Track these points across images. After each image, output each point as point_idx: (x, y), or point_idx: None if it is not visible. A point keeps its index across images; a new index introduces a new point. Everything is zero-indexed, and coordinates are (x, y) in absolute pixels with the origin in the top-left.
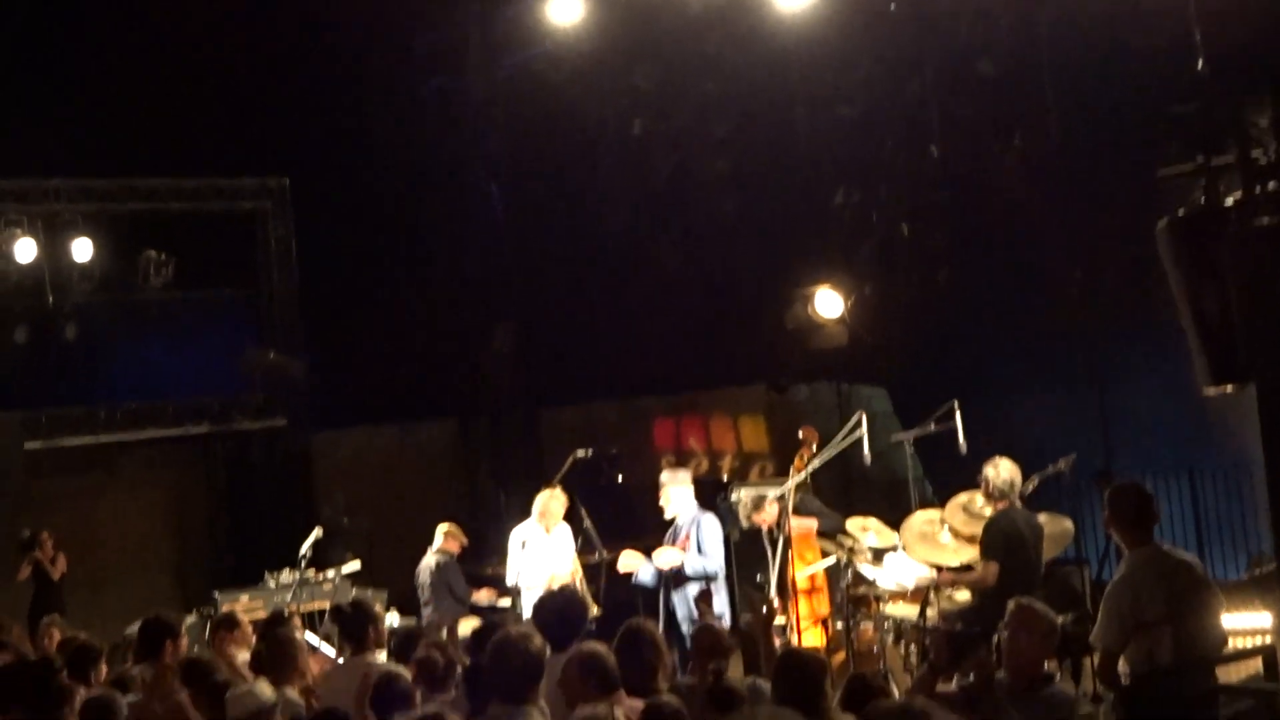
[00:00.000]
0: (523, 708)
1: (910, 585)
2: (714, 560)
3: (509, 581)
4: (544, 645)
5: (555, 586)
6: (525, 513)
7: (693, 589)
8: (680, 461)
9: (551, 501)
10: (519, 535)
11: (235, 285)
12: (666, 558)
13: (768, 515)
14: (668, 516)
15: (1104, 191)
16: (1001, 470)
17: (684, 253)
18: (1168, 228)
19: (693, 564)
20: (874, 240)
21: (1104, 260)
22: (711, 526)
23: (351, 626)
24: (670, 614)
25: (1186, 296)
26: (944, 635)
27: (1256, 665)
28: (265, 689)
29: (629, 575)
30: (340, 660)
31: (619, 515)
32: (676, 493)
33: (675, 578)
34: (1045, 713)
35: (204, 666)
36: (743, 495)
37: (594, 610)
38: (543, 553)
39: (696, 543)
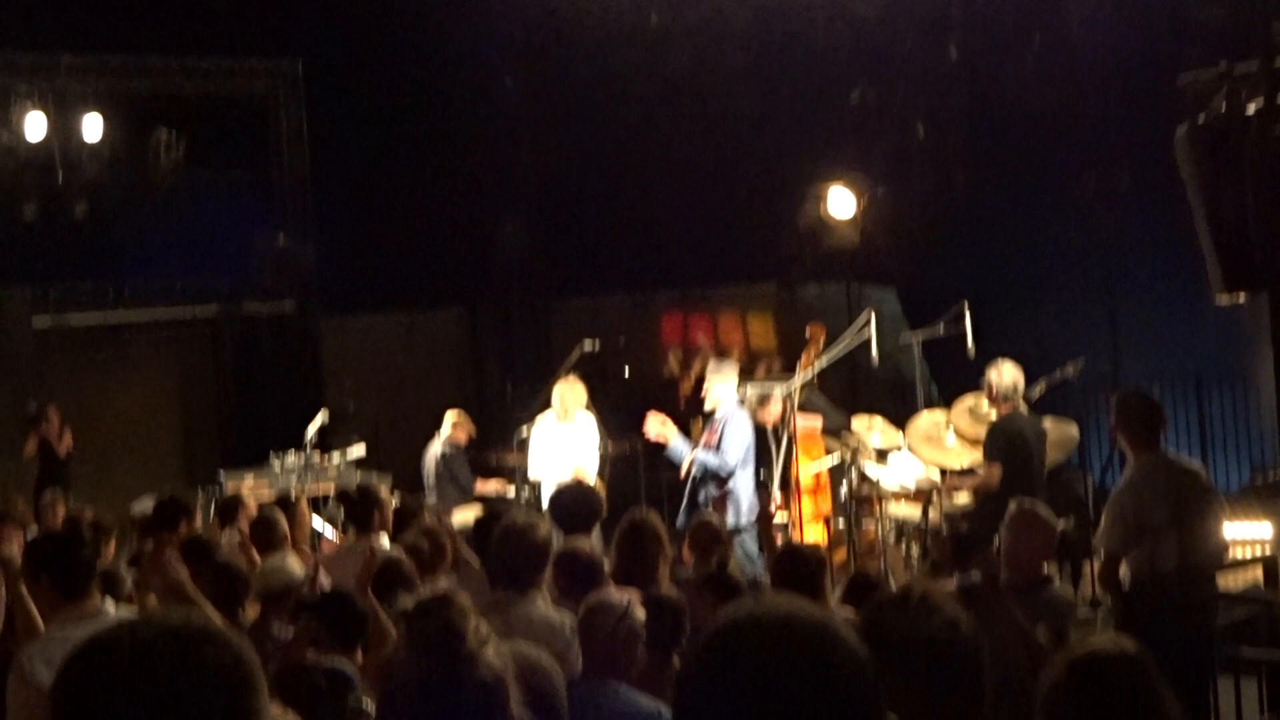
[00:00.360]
0: (527, 594)
1: (913, 486)
2: (721, 458)
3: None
4: (550, 533)
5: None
6: (532, 403)
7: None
8: (687, 357)
9: (566, 393)
10: (535, 427)
11: (246, 167)
12: (674, 449)
13: (772, 412)
14: (707, 409)
15: (1123, 96)
16: (1004, 374)
17: (698, 147)
18: (1187, 134)
19: (700, 460)
20: (889, 141)
21: (1120, 166)
22: (736, 425)
23: (357, 510)
24: (694, 505)
25: (1203, 204)
26: (948, 536)
27: (1256, 574)
28: (295, 564)
29: (636, 464)
30: (344, 543)
31: (625, 408)
32: (719, 387)
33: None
34: (1044, 614)
35: (205, 545)
36: (748, 392)
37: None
38: (558, 444)
39: (719, 438)
